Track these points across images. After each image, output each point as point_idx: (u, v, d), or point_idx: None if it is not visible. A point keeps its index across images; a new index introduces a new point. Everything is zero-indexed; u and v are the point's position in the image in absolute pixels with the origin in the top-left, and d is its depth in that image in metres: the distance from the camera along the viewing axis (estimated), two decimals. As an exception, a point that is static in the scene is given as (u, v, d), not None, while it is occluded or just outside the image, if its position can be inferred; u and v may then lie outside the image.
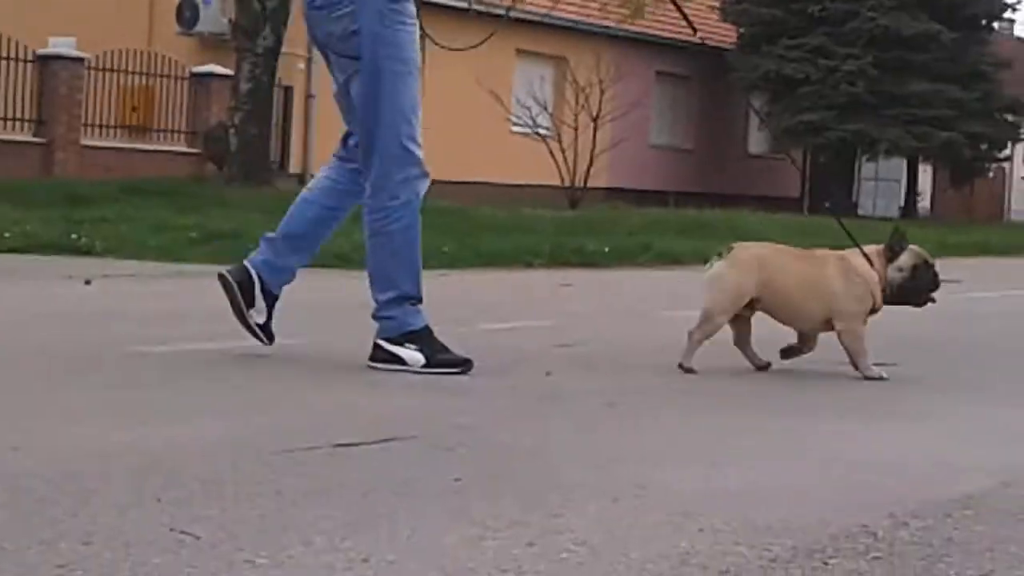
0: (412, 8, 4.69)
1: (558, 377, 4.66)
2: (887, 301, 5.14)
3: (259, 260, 4.90)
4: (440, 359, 4.61)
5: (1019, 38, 42.83)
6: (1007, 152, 29.86)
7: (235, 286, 4.82)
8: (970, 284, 11.24)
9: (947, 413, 4.27)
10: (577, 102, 21.25)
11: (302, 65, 19.90)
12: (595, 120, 21.99)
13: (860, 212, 28.98)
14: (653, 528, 2.57)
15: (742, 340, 5.13)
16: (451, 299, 7.00)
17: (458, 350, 4.64)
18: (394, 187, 4.61)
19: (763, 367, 5.14)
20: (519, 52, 24.13)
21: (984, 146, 27.09)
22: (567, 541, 2.43)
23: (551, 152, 20.98)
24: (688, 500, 2.80)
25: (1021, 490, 3.08)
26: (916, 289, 5.13)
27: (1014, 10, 29.27)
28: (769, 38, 26.08)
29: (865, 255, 5.15)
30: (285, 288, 4.93)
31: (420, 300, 4.74)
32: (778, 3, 25.48)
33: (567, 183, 21.19)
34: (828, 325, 5.18)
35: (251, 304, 4.82)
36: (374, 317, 4.71)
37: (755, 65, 26.39)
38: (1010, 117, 27.75)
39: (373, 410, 3.93)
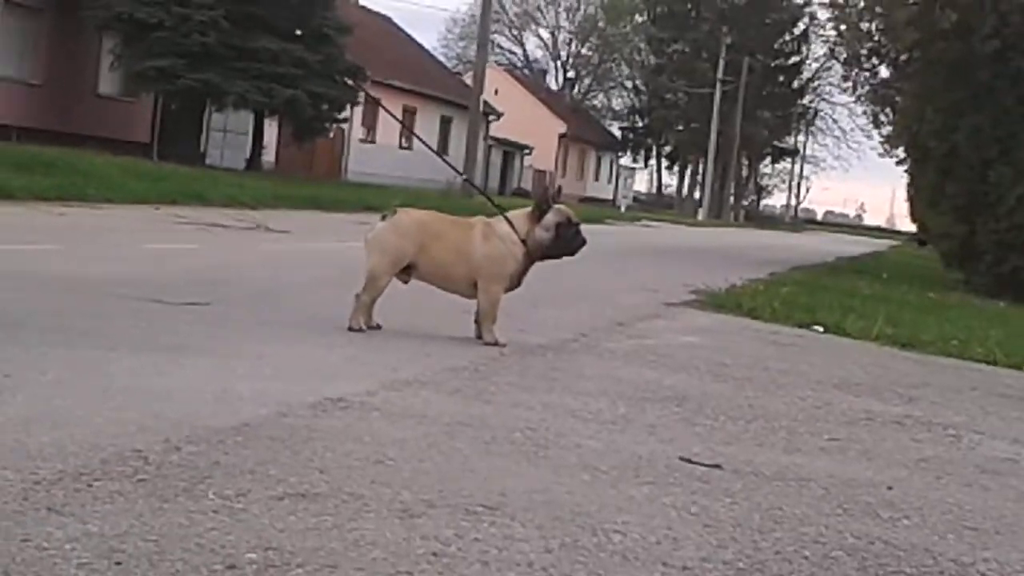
0: None
1: None
2: (540, 257, 5.45)
3: None
4: None
5: (362, 6, 45.21)
6: (346, 114, 31.37)
7: None
8: (298, 235, 11.86)
9: (244, 350, 4.49)
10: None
11: None
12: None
13: (208, 162, 29.17)
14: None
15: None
16: None
17: None
18: None
19: (374, 327, 5.31)
20: None
21: (325, 106, 28.24)
22: None
23: None
24: (-39, 429, 2.79)
25: (294, 419, 3.37)
26: (561, 244, 5.47)
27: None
28: (119, -22, 25.41)
29: (508, 220, 5.41)
30: None
31: None
32: (133, -56, 24.90)
33: None
34: (474, 289, 5.40)
35: None
36: None
37: (108, 4, 25.60)
38: (349, 81, 29.15)
39: None
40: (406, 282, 5.48)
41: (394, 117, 7.17)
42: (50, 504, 2.31)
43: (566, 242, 5.48)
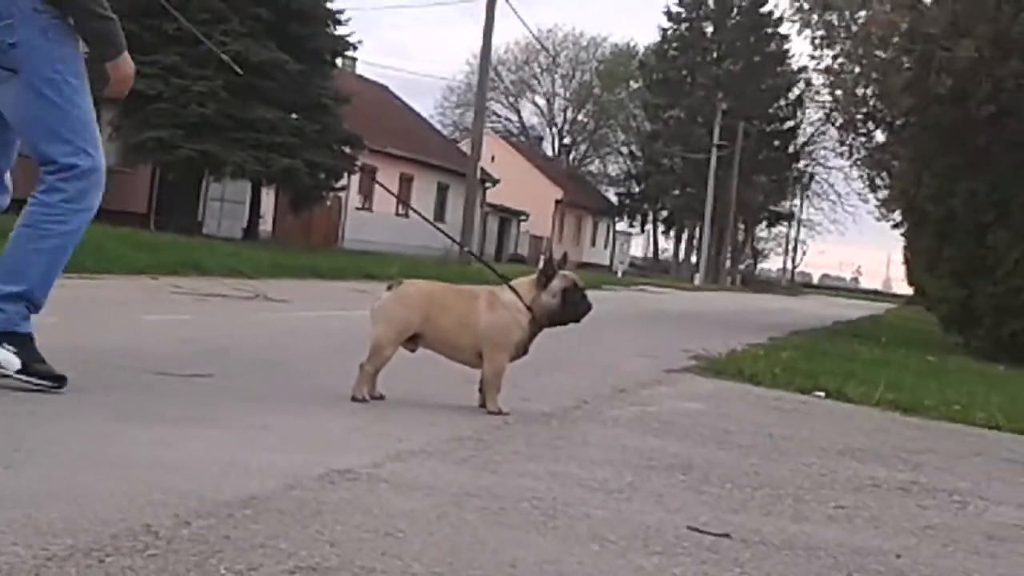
0: (69, 26, 4.60)
1: None
2: (548, 323, 5.45)
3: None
4: (37, 369, 4.53)
5: (360, 76, 45.63)
6: (344, 182, 31.55)
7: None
8: (298, 304, 11.88)
9: (249, 421, 4.49)
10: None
11: None
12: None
13: (205, 231, 29.30)
14: (-73, 533, 2.53)
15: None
16: None
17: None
18: (78, 195, 4.64)
19: (377, 397, 5.31)
20: None
21: (322, 175, 28.43)
22: None
23: None
24: (-30, 505, 2.79)
25: (303, 492, 3.36)
26: (568, 310, 5.46)
27: (355, 48, 31.03)
28: (124, 51, 25.64)
29: (513, 288, 5.42)
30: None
31: (38, 309, 4.68)
32: (133, 18, 25.15)
33: None
34: (481, 358, 5.39)
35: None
36: None
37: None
38: (347, 149, 29.38)
39: None
40: (413, 351, 5.49)
41: (390, 192, 7.20)
42: (63, 581, 2.30)
43: (573, 307, 5.47)
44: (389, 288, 5.40)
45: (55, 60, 4.57)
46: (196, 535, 2.75)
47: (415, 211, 6.82)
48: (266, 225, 32.89)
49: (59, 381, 4.61)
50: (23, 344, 4.59)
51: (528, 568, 2.82)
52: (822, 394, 8.29)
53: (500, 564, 2.83)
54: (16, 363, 4.54)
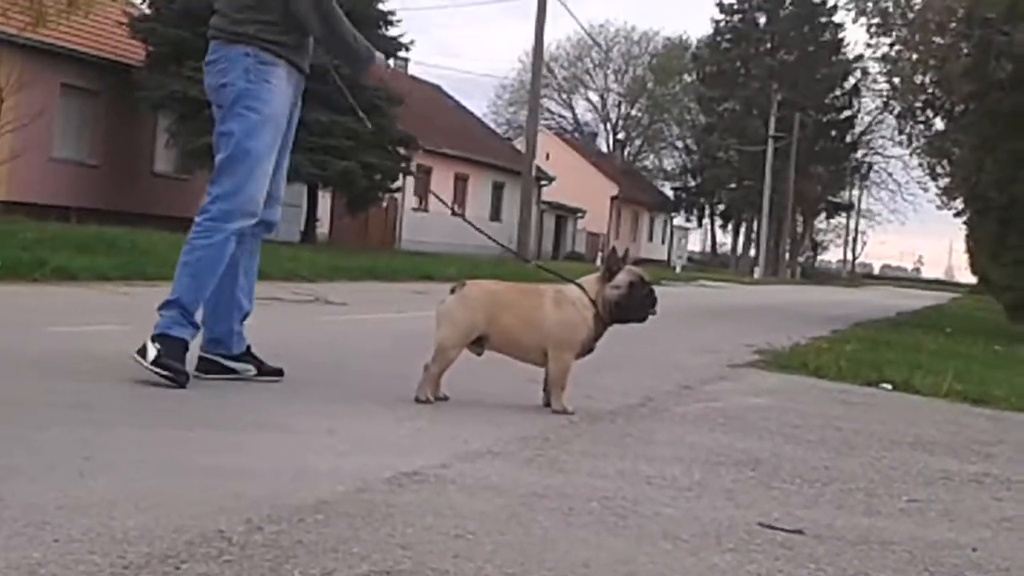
0: (281, 71, 5.28)
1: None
2: (614, 319, 5.39)
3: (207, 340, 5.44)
4: (163, 362, 5.02)
5: (412, 76, 45.73)
6: (399, 183, 31.63)
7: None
8: (357, 306, 11.92)
9: (316, 425, 4.49)
10: (-27, 110, 19.92)
11: None
12: (-7, 130, 20.90)
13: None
14: (4, 541, 2.55)
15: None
16: None
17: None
18: (221, 216, 5.19)
19: (441, 398, 5.34)
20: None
21: (378, 176, 28.52)
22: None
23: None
24: (47, 512, 2.80)
25: (372, 495, 3.36)
26: (633, 305, 5.37)
27: (407, 49, 31.10)
28: (177, 58, 25.88)
29: (579, 285, 5.39)
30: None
31: (195, 322, 5.23)
32: (186, 24, 25.37)
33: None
34: (547, 357, 5.37)
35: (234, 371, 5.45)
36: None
37: (163, 84, 26.12)
38: (402, 150, 29.44)
39: None
40: (479, 354, 5.46)
41: (441, 200, 7.21)
42: (140, 589, 2.31)
43: (638, 302, 5.37)
44: (453, 290, 5.37)
45: (250, 98, 5.21)
46: (269, 540, 2.76)
47: (466, 220, 6.82)
48: (323, 228, 33.07)
49: (183, 377, 5.08)
50: (172, 348, 5.08)
51: (601, 569, 2.80)
52: (889, 386, 8.18)
53: (573, 565, 2.81)
54: (152, 356, 5.04)
